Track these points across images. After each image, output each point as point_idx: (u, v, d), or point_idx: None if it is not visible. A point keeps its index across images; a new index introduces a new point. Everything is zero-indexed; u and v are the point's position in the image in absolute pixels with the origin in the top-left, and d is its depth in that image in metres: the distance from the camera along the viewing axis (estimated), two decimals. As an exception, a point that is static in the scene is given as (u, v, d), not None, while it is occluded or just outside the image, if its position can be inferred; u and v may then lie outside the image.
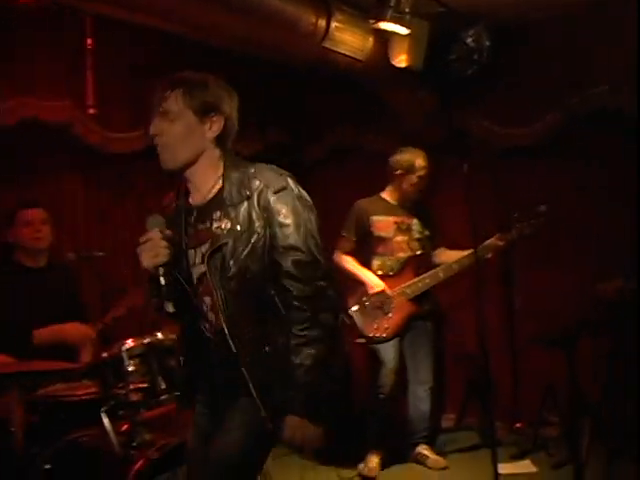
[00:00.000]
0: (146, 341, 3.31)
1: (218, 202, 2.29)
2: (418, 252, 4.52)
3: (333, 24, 4.27)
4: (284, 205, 2.24)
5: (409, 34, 4.45)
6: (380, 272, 4.47)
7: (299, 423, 2.17)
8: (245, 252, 2.22)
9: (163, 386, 3.24)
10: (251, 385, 2.22)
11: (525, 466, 4.42)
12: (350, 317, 4.41)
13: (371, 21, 4.30)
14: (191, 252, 2.34)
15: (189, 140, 2.27)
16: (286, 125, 5.55)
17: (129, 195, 4.91)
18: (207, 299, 2.32)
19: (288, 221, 2.23)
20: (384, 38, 4.61)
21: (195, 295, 2.36)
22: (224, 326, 2.24)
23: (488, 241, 4.35)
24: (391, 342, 4.43)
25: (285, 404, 2.18)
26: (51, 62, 4.13)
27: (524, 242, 4.45)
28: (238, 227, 2.23)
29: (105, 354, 3.28)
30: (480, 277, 4.03)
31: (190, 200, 2.38)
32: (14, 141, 4.15)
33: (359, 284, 4.46)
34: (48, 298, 3.87)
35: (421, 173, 4.50)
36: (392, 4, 4.19)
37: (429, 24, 4.65)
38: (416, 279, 4.45)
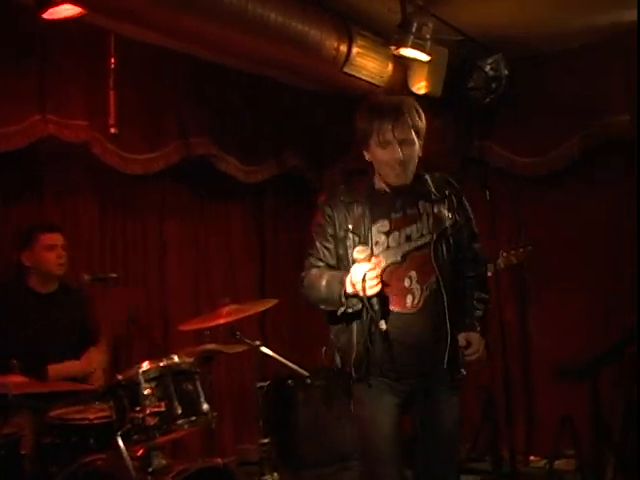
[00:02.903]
0: (162, 364, 3.24)
1: (422, 195, 2.79)
2: None
3: (354, 49, 4.28)
4: (467, 204, 2.89)
5: (429, 61, 4.46)
6: None
7: (479, 337, 2.77)
8: (454, 236, 2.77)
9: (179, 410, 3.17)
10: (448, 351, 2.69)
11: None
12: None
13: (392, 47, 4.30)
14: (395, 233, 2.74)
15: (416, 159, 2.76)
16: (303, 149, 5.53)
17: (143, 216, 4.89)
18: (413, 273, 2.72)
19: (471, 216, 2.89)
20: (404, 65, 4.61)
21: (392, 272, 2.70)
22: (444, 297, 2.70)
23: None
24: None
25: (467, 327, 2.77)
26: (68, 80, 4.08)
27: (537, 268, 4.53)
28: (450, 216, 2.77)
29: (120, 377, 3.22)
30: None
31: (389, 190, 2.79)
32: (31, 159, 4.12)
33: None
34: (59, 322, 3.84)
35: None
36: (413, 31, 4.20)
37: (448, 52, 4.66)
38: None
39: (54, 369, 3.64)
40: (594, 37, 4.77)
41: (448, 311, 2.70)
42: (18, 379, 3.22)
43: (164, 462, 3.14)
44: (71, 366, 3.73)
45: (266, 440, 4.06)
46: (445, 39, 4.53)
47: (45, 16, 3.23)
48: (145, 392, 3.13)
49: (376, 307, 2.61)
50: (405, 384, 2.72)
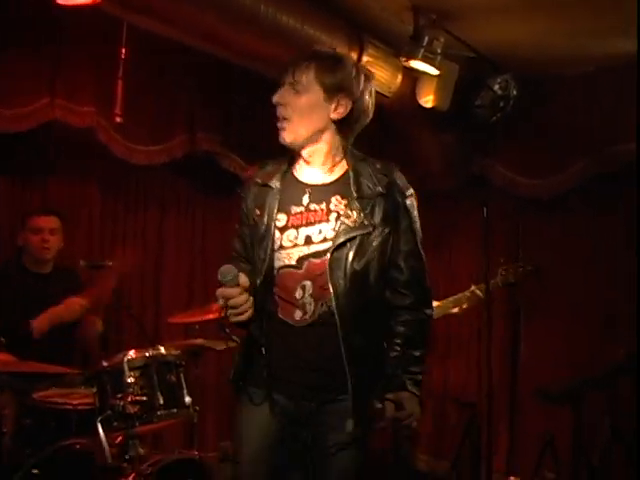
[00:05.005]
0: (148, 354, 3.26)
1: (340, 188, 2.25)
2: None
3: (365, 58, 4.29)
4: (413, 210, 2.30)
5: (438, 75, 4.48)
6: None
7: (409, 396, 2.23)
8: (371, 249, 2.21)
9: (161, 401, 3.19)
10: (349, 378, 2.18)
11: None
12: None
13: (402, 59, 4.33)
14: (291, 231, 2.24)
15: (311, 116, 2.23)
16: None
17: (144, 207, 4.92)
18: (308, 284, 2.22)
19: (414, 226, 2.28)
20: (413, 77, 4.63)
21: (285, 277, 2.24)
22: (335, 314, 2.18)
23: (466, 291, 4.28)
24: None
25: (393, 383, 2.23)
26: (80, 67, 4.12)
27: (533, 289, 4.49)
28: (366, 222, 2.21)
29: (105, 363, 3.25)
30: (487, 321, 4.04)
31: (300, 177, 2.30)
32: (36, 141, 4.15)
33: None
34: (51, 302, 3.86)
35: None
36: (424, 44, 4.23)
37: (459, 68, 4.67)
38: None
39: (38, 320, 3.68)
40: (606, 62, 4.77)
41: (344, 344, 2.17)
42: (3, 357, 3.25)
43: (141, 451, 3.15)
44: (53, 311, 3.76)
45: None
46: (456, 55, 4.55)
47: (59, 1, 3.26)
48: (128, 380, 3.15)
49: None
50: (293, 403, 2.27)
